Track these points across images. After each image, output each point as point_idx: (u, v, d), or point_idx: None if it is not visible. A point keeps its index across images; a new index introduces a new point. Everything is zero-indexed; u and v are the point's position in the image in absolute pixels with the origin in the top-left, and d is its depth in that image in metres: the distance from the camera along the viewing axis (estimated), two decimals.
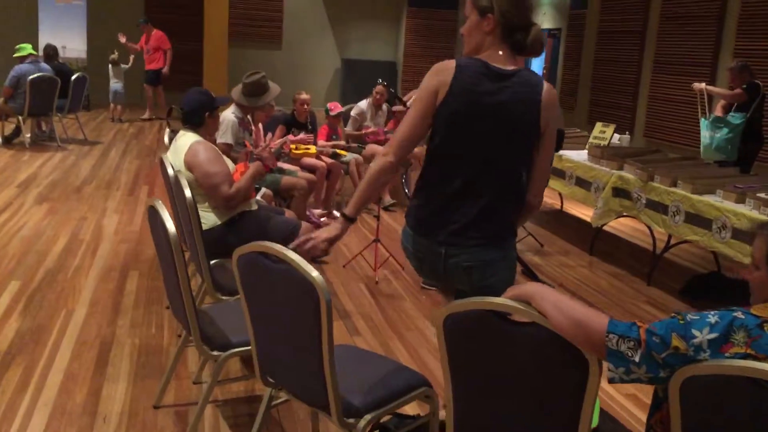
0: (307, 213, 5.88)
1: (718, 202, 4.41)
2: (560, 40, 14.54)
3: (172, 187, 3.66)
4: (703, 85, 6.74)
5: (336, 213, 6.54)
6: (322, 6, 15.81)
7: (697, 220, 4.50)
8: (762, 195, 4.20)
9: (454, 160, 2.33)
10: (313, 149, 6.27)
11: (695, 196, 4.55)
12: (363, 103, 7.33)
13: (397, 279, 4.95)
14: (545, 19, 15.07)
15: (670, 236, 5.07)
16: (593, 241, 5.88)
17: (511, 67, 2.29)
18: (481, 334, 1.85)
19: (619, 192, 5.27)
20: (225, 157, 3.82)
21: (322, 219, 6.11)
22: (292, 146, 6.15)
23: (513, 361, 1.81)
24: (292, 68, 15.68)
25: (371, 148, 7.15)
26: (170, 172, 3.65)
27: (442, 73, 2.28)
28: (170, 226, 2.54)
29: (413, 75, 15.51)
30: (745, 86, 6.27)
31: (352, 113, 7.28)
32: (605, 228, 5.94)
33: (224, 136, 5.04)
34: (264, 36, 15.54)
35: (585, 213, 7.26)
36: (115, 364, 3.42)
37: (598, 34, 10.57)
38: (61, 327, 3.80)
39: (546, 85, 2.31)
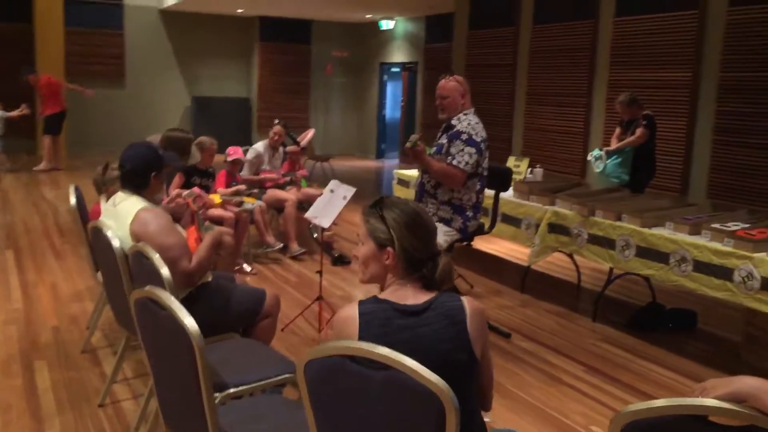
0: None
1: (671, 234, 4.40)
2: (416, 74, 14.73)
3: (119, 263, 3.03)
4: (606, 149, 6.82)
5: (246, 267, 5.96)
6: (167, 41, 14.95)
7: (650, 253, 4.46)
8: (716, 225, 4.22)
9: None
10: (217, 198, 5.67)
11: (646, 230, 4.51)
12: (259, 146, 6.81)
13: None
14: (399, 53, 15.23)
15: (611, 270, 5.02)
16: (524, 279, 5.75)
17: (422, 300, 1.93)
18: None
19: (555, 228, 5.17)
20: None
21: (236, 275, 5.50)
22: (190, 200, 5.52)
23: None
24: (137, 108, 14.66)
25: (272, 193, 6.64)
26: (115, 244, 3.02)
27: (343, 331, 1.90)
28: (191, 325, 1.99)
29: (268, 111, 15.01)
30: (645, 122, 6.45)
31: (248, 156, 6.73)
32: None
33: None
34: (104, 74, 14.39)
35: (495, 248, 7.17)
36: None
37: (466, 67, 10.68)
38: None
39: (469, 308, 1.93)
